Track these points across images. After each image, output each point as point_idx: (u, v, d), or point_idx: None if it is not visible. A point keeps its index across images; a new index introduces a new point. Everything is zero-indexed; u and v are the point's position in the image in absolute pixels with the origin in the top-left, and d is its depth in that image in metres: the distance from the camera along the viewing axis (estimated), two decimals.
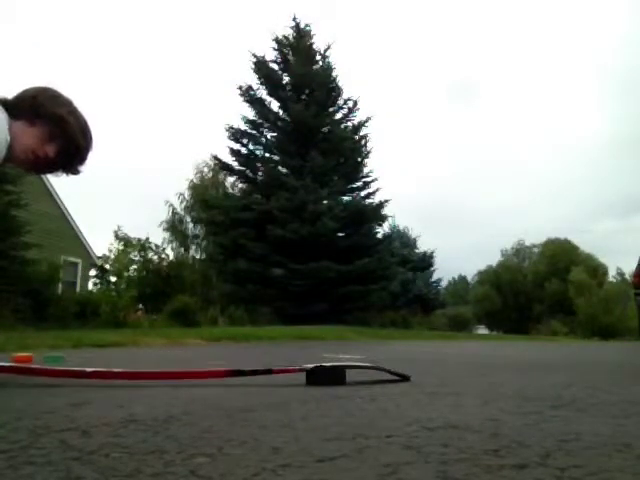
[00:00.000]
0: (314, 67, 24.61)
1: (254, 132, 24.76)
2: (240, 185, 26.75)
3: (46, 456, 1.11)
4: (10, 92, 1.83)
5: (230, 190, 28.49)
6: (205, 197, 27.08)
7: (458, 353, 7.39)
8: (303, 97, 24.25)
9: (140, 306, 16.79)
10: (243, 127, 24.43)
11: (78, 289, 18.97)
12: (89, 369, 2.52)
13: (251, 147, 24.78)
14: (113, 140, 62.71)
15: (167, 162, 63.15)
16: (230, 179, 28.48)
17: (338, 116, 25.08)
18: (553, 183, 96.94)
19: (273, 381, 2.53)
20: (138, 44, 74.11)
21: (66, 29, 75.95)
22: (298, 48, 24.66)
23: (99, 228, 26.00)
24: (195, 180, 32.18)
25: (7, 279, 11.88)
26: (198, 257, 30.36)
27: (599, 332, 36.04)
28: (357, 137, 24.80)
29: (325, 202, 22.41)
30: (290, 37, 25.03)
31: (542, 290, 47.85)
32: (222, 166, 25.65)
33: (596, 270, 47.72)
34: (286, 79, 24.90)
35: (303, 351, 7.10)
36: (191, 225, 31.97)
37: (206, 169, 31.85)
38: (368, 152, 24.91)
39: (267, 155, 25.02)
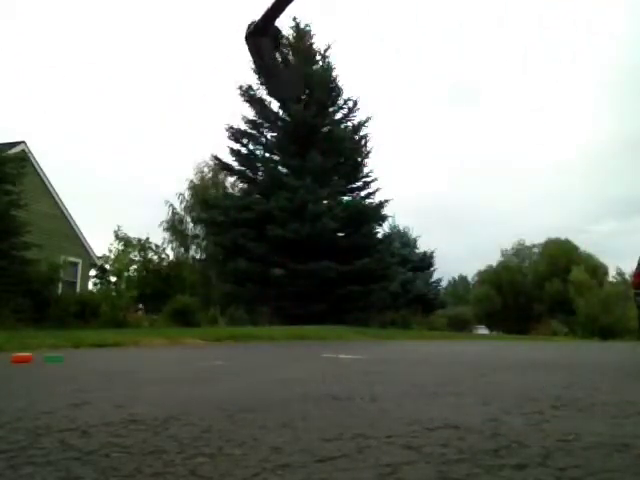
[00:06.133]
0: (314, 67, 24.61)
1: (254, 132, 24.75)
2: (240, 185, 26.73)
3: (46, 456, 1.11)
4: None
5: (230, 190, 28.47)
6: (205, 197, 27.08)
7: (458, 353, 7.39)
8: (303, 97, 24.24)
9: (140, 306, 16.80)
10: (243, 127, 24.42)
11: (78, 289, 18.91)
12: None
13: (251, 147, 24.77)
14: (113, 140, 62.88)
15: (167, 162, 63.12)
16: (230, 179, 28.48)
17: (338, 116, 25.08)
18: (553, 183, 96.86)
19: (272, 381, 2.53)
20: (138, 44, 74.23)
21: (66, 29, 75.95)
22: (298, 48, 24.67)
23: (99, 228, 25.95)
24: (195, 180, 32.18)
25: (7, 279, 11.86)
26: (198, 257, 30.37)
27: (599, 332, 35.99)
28: (357, 137, 24.79)
29: (325, 202, 22.40)
30: (290, 37, 25.05)
31: (542, 290, 47.80)
32: (222, 166, 25.63)
33: (596, 270, 47.64)
34: None
35: (303, 351, 7.10)
36: (191, 225, 31.94)
37: (206, 169, 31.84)
38: (368, 152, 24.91)
39: (267, 155, 25.01)
